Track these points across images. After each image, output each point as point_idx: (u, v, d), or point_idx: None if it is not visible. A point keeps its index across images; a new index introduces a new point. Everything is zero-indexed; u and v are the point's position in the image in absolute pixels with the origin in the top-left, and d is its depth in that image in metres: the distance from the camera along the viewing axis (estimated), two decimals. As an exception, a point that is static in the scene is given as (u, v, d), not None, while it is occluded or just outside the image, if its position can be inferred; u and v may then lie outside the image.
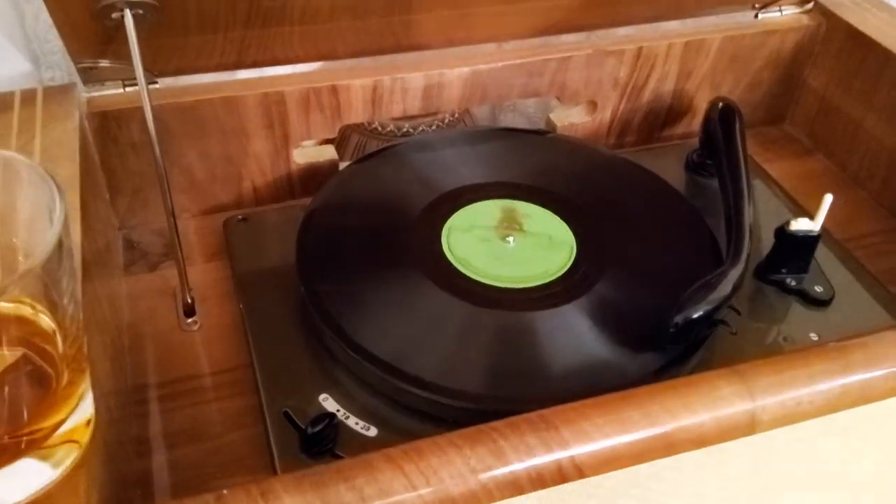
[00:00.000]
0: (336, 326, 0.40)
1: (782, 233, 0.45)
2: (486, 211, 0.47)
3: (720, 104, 0.52)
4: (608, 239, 0.46)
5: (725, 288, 0.40)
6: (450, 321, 0.41)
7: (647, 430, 0.31)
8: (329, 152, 0.53)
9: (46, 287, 0.26)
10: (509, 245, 0.45)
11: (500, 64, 0.52)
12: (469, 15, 0.49)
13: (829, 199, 0.44)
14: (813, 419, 0.33)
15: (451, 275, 0.43)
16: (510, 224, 0.46)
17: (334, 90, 0.50)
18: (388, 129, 0.61)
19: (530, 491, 0.30)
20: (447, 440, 0.30)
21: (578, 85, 0.54)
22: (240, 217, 0.50)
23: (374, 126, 0.61)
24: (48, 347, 0.27)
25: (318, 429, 0.37)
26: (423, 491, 0.29)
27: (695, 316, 0.39)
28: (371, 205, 0.48)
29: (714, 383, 0.32)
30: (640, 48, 0.54)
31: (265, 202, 0.53)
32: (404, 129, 0.61)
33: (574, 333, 0.41)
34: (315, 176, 0.53)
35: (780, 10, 0.58)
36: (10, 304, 0.27)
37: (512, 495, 0.30)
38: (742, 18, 0.57)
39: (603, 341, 0.40)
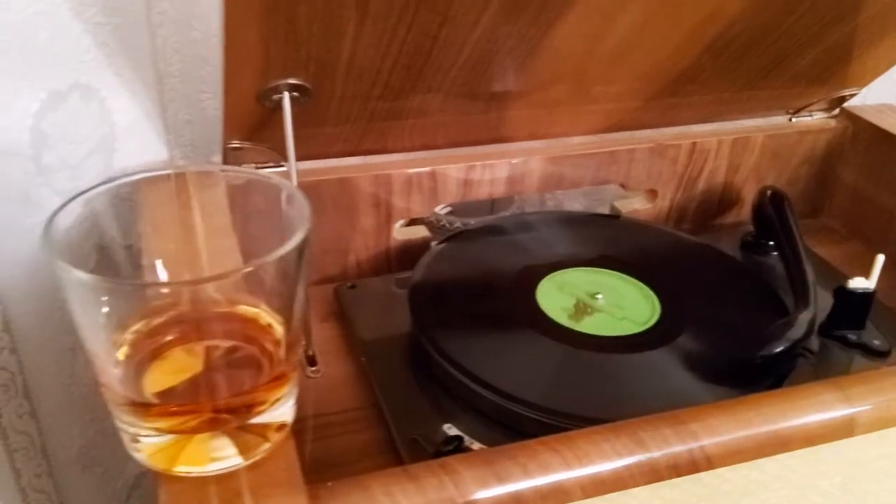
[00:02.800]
0: (455, 363, 0.45)
1: (841, 291, 0.50)
2: (575, 275, 0.53)
3: (769, 191, 0.59)
4: (686, 301, 0.51)
5: (802, 326, 0.45)
6: (550, 362, 0.46)
7: (763, 426, 0.35)
8: (422, 231, 0.59)
9: (280, 294, 0.31)
10: (598, 301, 0.50)
11: (574, 154, 0.59)
12: (552, 113, 0.57)
13: (881, 258, 0.50)
14: (903, 425, 0.38)
15: (547, 323, 0.48)
16: (598, 286, 0.52)
17: (433, 175, 0.57)
18: (442, 223, 0.66)
19: (667, 478, 0.34)
20: (594, 431, 0.34)
21: (641, 175, 0.62)
22: (349, 285, 0.55)
23: (428, 219, 0.67)
24: (269, 345, 0.32)
25: (449, 448, 0.41)
26: (578, 470, 0.33)
27: (777, 350, 0.44)
28: (470, 268, 0.54)
29: (816, 390, 0.37)
30: (694, 143, 0.62)
31: (365, 275, 0.58)
32: (456, 225, 0.67)
33: (665, 375, 0.45)
34: (409, 252, 0.59)
35: (811, 115, 0.66)
36: (242, 307, 0.32)
37: (651, 481, 0.34)
38: (779, 121, 0.66)
39: (693, 381, 0.45)
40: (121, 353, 0.30)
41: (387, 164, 0.56)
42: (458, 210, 0.66)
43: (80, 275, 0.27)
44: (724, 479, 0.37)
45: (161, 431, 0.30)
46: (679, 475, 0.34)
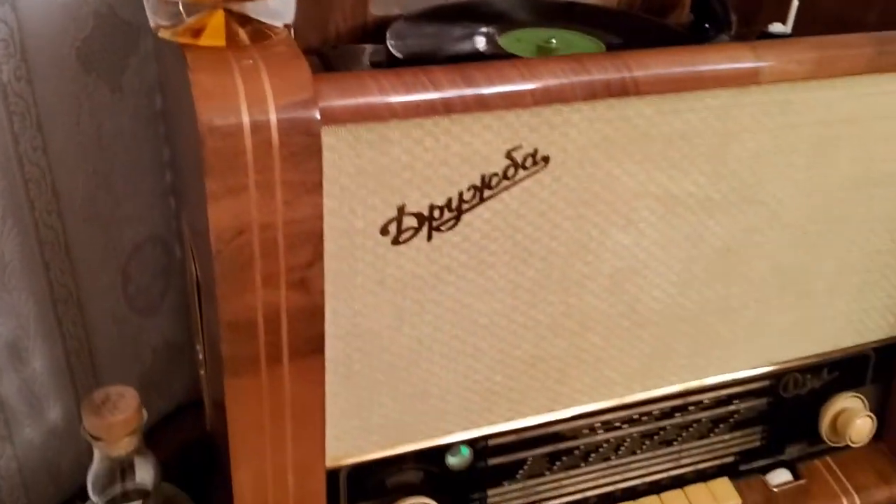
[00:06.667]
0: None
1: (763, 35, 0.58)
2: (531, 32, 0.60)
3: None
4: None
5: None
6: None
7: (684, 66, 0.43)
8: (395, 9, 0.66)
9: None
10: (553, 45, 0.58)
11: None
12: None
13: (795, 3, 0.57)
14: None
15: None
16: (551, 37, 0.59)
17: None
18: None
19: (602, 97, 0.42)
20: (550, 59, 0.41)
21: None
22: (332, 45, 0.62)
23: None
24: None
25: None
26: (532, 82, 0.40)
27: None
28: (437, 34, 0.61)
29: (732, 46, 0.45)
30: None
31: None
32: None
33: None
34: (384, 27, 0.65)
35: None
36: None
37: (588, 98, 0.41)
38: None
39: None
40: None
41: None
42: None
43: None
44: (652, 123, 0.44)
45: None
46: (612, 95, 0.41)
